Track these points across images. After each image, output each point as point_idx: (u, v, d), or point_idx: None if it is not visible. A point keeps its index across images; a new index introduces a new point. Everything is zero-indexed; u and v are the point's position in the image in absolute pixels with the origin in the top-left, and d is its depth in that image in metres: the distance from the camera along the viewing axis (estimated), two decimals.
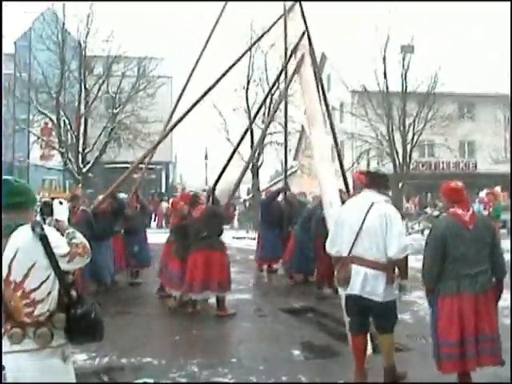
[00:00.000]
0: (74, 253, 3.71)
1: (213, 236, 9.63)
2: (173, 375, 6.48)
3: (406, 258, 5.86)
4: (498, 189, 24.08)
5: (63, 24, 33.35)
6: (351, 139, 33.95)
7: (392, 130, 33.21)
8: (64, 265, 3.65)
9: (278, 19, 11.35)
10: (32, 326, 3.54)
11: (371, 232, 5.74)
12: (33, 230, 3.57)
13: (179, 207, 10.58)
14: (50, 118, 33.29)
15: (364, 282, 5.76)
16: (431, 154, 41.09)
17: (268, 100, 32.14)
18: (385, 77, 33.62)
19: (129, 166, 13.88)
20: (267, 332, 8.57)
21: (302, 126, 38.02)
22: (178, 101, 12.01)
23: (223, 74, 10.64)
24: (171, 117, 12.32)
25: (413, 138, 34.20)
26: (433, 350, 5.68)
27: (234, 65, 10.75)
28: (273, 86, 14.79)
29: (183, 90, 11.88)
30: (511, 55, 34.45)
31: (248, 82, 34.00)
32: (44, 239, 3.57)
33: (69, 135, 33.21)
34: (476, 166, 39.89)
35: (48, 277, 3.59)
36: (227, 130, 29.99)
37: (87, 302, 3.82)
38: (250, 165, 32.43)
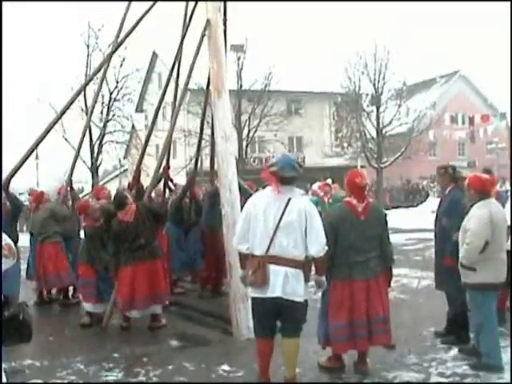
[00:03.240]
0: (5, 257, 3.74)
1: (152, 242, 8.45)
2: (59, 374, 6.53)
3: None
4: (329, 181, 25.74)
5: None
6: (188, 137, 34.37)
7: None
8: None
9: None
10: None
11: (290, 229, 5.40)
12: None
13: (92, 207, 9.11)
14: None
15: (285, 283, 5.37)
16: (262, 149, 42.66)
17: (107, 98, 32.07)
18: None
19: None
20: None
21: (133, 125, 38.03)
22: None
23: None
24: None
25: (248, 135, 35.38)
26: (318, 329, 6.17)
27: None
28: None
29: None
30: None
31: (86, 81, 32.67)
32: None
33: None
34: (304, 161, 42.06)
35: None
36: (64, 129, 29.29)
37: (15, 303, 3.86)
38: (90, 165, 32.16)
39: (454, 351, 6.72)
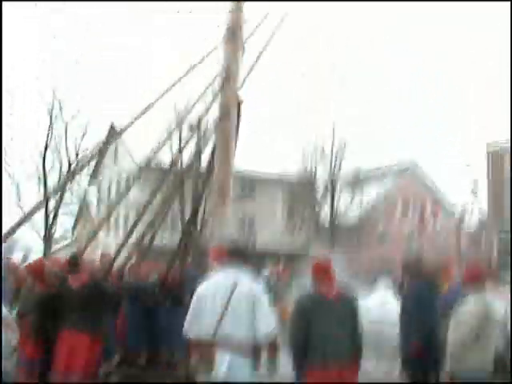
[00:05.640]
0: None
1: (91, 319, 7.71)
2: None
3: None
4: (281, 266, 25.95)
5: None
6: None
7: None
8: None
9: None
10: None
11: (237, 313, 5.37)
12: None
13: (48, 270, 8.26)
14: None
15: (230, 369, 5.29)
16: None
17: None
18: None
19: None
20: None
21: (84, 197, 37.85)
22: None
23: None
24: None
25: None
26: None
27: None
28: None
29: None
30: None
31: (45, 149, 33.04)
32: None
33: None
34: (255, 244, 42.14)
35: None
36: (19, 196, 29.06)
37: None
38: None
39: None
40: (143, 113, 8.66)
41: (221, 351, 5.33)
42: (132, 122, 8.52)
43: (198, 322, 5.52)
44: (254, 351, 5.42)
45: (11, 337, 3.91)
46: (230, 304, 5.37)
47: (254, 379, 5.42)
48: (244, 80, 8.95)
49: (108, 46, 66.24)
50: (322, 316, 5.73)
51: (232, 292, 5.41)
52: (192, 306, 5.66)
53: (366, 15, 73.69)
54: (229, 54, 8.63)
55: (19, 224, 9.17)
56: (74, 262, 7.95)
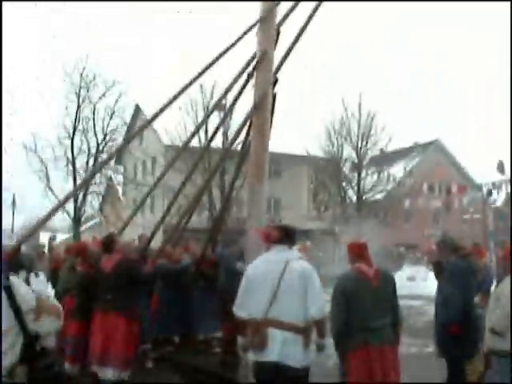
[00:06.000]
0: (40, 311, 3.66)
1: (123, 299, 7.65)
2: None
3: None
4: (308, 243, 26.03)
5: None
6: (169, 192, 34.44)
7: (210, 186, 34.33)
8: (32, 324, 3.62)
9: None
10: None
11: (289, 292, 5.38)
12: None
13: (90, 250, 8.54)
14: None
15: (282, 348, 5.32)
16: (240, 210, 42.78)
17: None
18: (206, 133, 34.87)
19: None
20: None
21: (110, 176, 38.17)
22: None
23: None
24: None
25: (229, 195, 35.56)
26: None
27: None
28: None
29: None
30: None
31: (74, 132, 33.37)
32: (8, 290, 3.52)
33: None
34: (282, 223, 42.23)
35: (12, 329, 3.53)
36: (48, 177, 29.40)
37: (52, 354, 3.81)
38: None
39: None
40: (175, 98, 8.61)
41: (273, 330, 5.35)
42: (163, 109, 8.41)
43: (249, 300, 5.52)
44: (305, 330, 5.43)
45: (55, 324, 3.88)
46: (282, 283, 5.39)
47: (307, 358, 5.46)
48: (279, 66, 8.93)
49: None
50: (362, 295, 5.76)
51: (284, 271, 5.42)
52: (243, 284, 5.66)
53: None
54: (262, 38, 8.58)
55: (54, 211, 9.38)
56: (108, 243, 7.97)
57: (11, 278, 3.63)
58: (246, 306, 5.55)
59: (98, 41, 65.84)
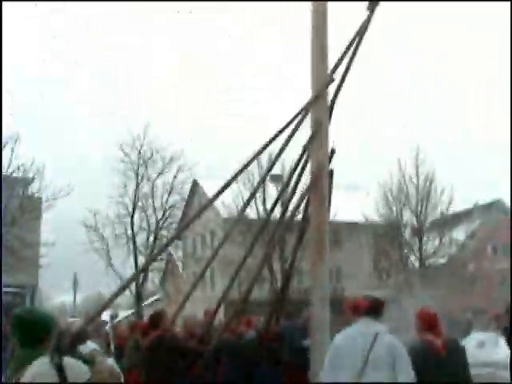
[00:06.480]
0: (98, 379, 3.79)
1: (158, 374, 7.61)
2: None
3: None
4: None
5: None
6: (229, 266, 34.55)
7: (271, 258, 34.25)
8: None
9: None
10: None
11: (378, 365, 5.29)
12: (51, 358, 3.62)
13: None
14: None
15: None
16: (301, 281, 42.39)
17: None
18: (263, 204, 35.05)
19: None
20: None
21: (170, 252, 38.45)
22: None
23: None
24: None
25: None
26: None
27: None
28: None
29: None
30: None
31: (134, 209, 34.16)
32: (60, 369, 3.59)
33: None
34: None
35: None
36: (110, 256, 29.87)
37: None
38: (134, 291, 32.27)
39: None
40: (235, 177, 8.68)
41: None
42: (224, 188, 8.43)
43: (336, 373, 5.45)
44: None
45: None
46: (370, 355, 5.31)
47: None
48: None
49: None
50: (432, 368, 5.63)
51: (373, 344, 5.35)
52: (329, 357, 5.61)
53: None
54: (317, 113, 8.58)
55: (119, 292, 9.48)
56: (155, 319, 8.12)
57: (65, 358, 3.67)
58: (333, 379, 5.45)
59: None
